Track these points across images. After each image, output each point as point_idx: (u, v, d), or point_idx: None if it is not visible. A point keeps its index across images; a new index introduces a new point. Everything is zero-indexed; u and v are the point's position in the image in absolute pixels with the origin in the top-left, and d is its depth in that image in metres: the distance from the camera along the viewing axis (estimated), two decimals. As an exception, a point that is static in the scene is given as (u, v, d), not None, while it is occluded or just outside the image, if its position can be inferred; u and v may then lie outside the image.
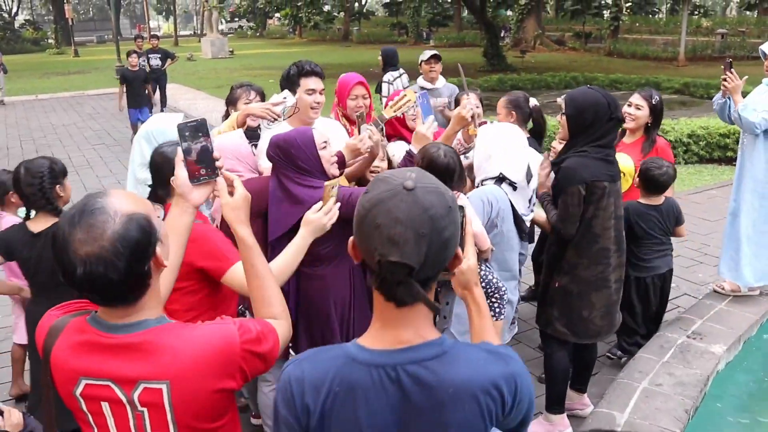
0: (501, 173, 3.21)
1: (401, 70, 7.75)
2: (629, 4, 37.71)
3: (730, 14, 53.00)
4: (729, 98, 4.58)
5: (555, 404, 3.51)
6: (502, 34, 26.75)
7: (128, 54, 11.52)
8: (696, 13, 37.68)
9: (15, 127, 14.10)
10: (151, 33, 13.04)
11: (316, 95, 3.34)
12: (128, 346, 1.44)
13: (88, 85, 21.11)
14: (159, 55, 13.48)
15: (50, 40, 44.33)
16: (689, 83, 15.09)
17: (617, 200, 3.24)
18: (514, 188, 3.24)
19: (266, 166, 3.19)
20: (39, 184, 2.98)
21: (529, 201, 3.42)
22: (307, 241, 2.29)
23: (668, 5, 44.86)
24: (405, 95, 3.23)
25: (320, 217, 2.29)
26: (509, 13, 31.61)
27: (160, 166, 2.52)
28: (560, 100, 3.66)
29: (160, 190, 2.56)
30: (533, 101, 4.35)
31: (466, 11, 37.09)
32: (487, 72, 19.93)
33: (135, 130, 10.44)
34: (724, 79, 4.51)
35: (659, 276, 4.07)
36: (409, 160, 2.96)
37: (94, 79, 23.05)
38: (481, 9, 22.66)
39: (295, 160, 2.75)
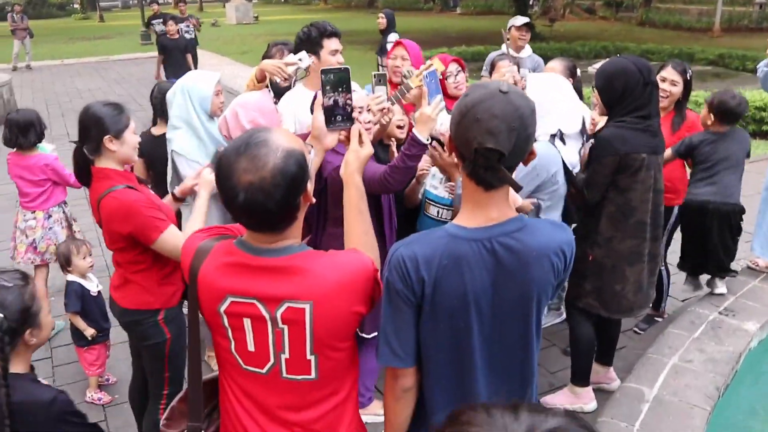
0: (559, 130, 3.17)
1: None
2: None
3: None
4: None
5: (580, 377, 3.46)
6: (530, 2, 26.15)
7: (164, 20, 10.67)
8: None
9: (41, 91, 14.19)
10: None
11: (339, 56, 3.36)
12: (275, 268, 1.57)
13: (113, 51, 21.11)
14: (160, 20, 12.31)
15: (76, 5, 44.43)
16: (724, 54, 14.69)
17: (657, 173, 3.12)
18: (564, 142, 3.20)
19: (288, 125, 3.27)
20: (161, 99, 3.70)
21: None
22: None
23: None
24: (431, 63, 3.10)
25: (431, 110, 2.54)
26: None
27: (86, 125, 2.58)
28: (592, 69, 3.56)
29: (87, 148, 2.59)
30: None
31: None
32: (514, 41, 19.53)
33: None
34: None
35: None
36: (413, 145, 2.65)
37: (119, 45, 23.06)
38: (510, -25, 22.17)
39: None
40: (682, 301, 4.59)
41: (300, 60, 3.24)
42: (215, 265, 1.62)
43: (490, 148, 1.50)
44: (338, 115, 1.94)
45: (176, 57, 10.21)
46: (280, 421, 1.67)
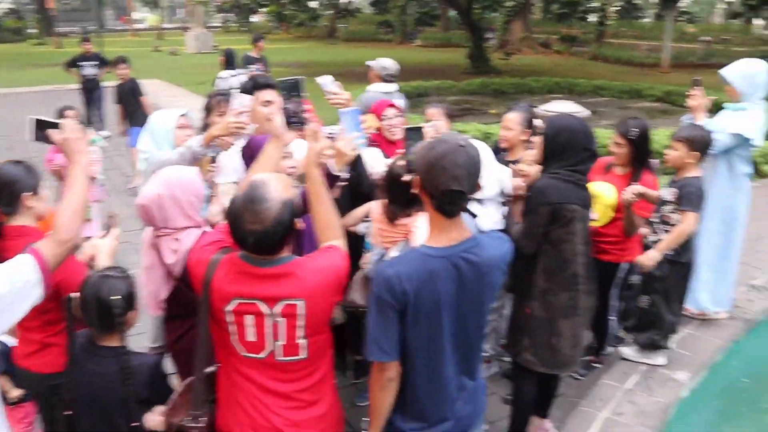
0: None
1: (239, 70, 9.16)
2: (617, 8, 37.81)
3: (714, 21, 53.32)
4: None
5: (517, 431, 3.47)
6: (487, 36, 26.66)
7: (115, 62, 9.08)
8: (681, 18, 37.83)
9: (-10, 121, 13.85)
10: (83, 36, 11.47)
11: (272, 106, 3.41)
12: (274, 275, 2.03)
13: (69, 79, 20.75)
14: (95, 63, 10.87)
15: (31, 30, 43.71)
16: (671, 91, 15.10)
17: (586, 225, 3.19)
18: (480, 202, 3.27)
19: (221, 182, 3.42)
20: None
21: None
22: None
23: (655, 11, 45.01)
24: (365, 120, 3.24)
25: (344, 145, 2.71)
26: (497, 14, 31.54)
27: (0, 186, 2.61)
28: (539, 122, 3.62)
29: (2, 209, 2.61)
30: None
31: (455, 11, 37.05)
32: (470, 74, 19.86)
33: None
34: (689, 97, 4.50)
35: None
36: (327, 176, 2.84)
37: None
38: (468, 9, 22.58)
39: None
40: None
41: (242, 105, 3.30)
42: (224, 274, 2.06)
43: (455, 190, 2.00)
44: (293, 118, 2.42)
45: (131, 102, 8.91)
46: (273, 393, 2.12)
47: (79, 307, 2.32)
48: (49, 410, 2.86)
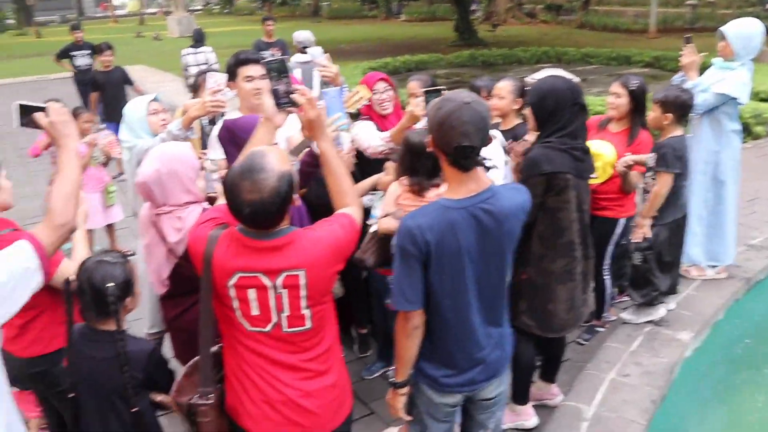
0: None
1: (204, 48, 9.86)
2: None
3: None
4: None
5: (520, 396, 3.51)
6: (472, 8, 26.46)
7: (97, 49, 8.79)
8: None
9: (-26, 114, 13.66)
10: (73, 24, 10.66)
11: (256, 81, 3.36)
12: (274, 247, 2.02)
13: (51, 69, 20.49)
14: (87, 52, 9.99)
15: (10, 21, 43.05)
16: (660, 57, 15.06)
17: (582, 194, 3.18)
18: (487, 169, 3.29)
19: (210, 158, 3.39)
20: None
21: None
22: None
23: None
24: (358, 91, 3.24)
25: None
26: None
27: None
28: (530, 80, 3.63)
29: None
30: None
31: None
32: (458, 47, 19.73)
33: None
34: (682, 55, 4.50)
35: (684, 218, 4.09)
36: (309, 156, 3.02)
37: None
38: (452, -19, 22.40)
39: (240, 141, 2.82)
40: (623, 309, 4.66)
41: (219, 84, 3.34)
42: (225, 249, 2.04)
43: (466, 145, 2.10)
44: (282, 98, 2.34)
45: (114, 92, 8.51)
46: (282, 365, 2.12)
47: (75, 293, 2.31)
48: (40, 393, 2.85)
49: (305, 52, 7.16)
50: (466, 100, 2.13)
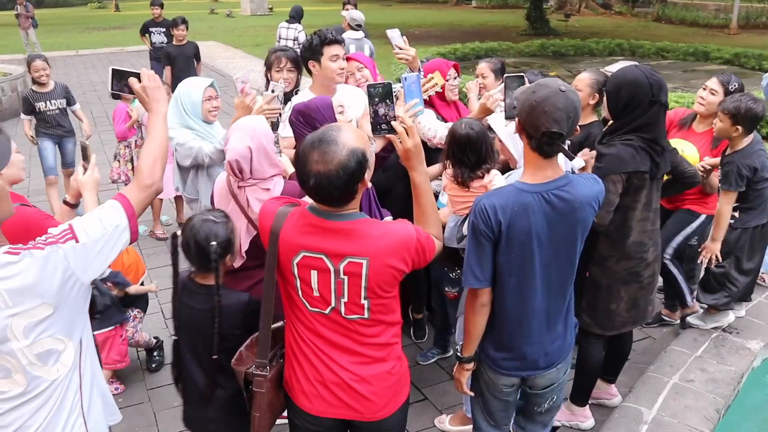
0: None
1: (297, 25, 10.03)
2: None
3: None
4: None
5: (581, 397, 3.45)
6: (546, -4, 25.91)
7: (173, 24, 8.98)
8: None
9: (55, 83, 14.20)
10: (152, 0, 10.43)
11: (340, 61, 3.52)
12: (340, 230, 2.00)
13: (128, 41, 21.16)
14: (164, 30, 10.25)
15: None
16: (740, 54, 14.37)
17: (656, 194, 3.08)
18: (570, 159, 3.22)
19: (284, 135, 3.42)
20: None
21: None
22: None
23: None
24: (432, 77, 3.23)
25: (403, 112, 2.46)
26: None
27: None
28: (605, 71, 3.55)
29: None
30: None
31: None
32: (529, 36, 19.39)
33: None
34: None
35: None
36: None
37: (134, 35, 23.09)
38: (526, -31, 21.98)
39: (314, 123, 2.85)
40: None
41: (273, 92, 3.40)
42: (292, 225, 2.05)
43: (555, 131, 2.11)
44: (382, 124, 2.27)
45: (183, 66, 8.79)
46: (339, 348, 2.13)
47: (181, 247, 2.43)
48: None
49: (358, 30, 7.94)
50: (562, 87, 2.14)
